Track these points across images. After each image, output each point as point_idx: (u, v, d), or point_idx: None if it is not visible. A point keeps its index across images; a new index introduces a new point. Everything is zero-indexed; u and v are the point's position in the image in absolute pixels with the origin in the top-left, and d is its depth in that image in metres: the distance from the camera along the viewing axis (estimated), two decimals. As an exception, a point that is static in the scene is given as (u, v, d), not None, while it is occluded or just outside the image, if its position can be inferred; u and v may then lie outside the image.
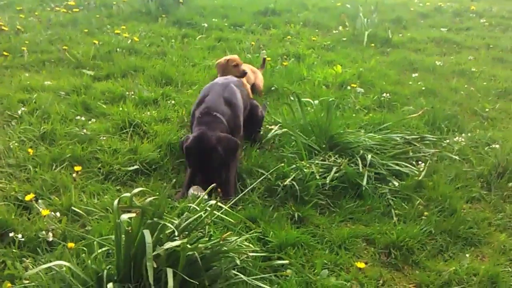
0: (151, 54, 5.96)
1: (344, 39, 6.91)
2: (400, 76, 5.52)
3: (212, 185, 2.48)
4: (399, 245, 2.71)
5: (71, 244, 2.30)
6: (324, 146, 3.53)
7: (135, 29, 7.02)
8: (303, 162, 3.23)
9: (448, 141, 3.85)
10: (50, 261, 2.12)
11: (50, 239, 2.44)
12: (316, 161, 3.32)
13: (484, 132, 4.08)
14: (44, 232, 2.47)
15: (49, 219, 2.52)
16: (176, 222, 2.09)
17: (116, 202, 2.03)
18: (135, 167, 3.36)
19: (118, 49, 5.86)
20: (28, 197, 2.66)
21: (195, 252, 1.98)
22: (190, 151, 3.11)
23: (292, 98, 4.03)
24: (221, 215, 2.36)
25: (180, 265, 1.92)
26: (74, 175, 3.07)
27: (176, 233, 2.03)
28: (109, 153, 3.47)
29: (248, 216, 2.83)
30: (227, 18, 7.88)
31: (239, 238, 2.22)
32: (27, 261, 2.26)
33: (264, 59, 5.17)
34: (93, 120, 4.00)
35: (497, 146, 3.71)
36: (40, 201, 2.80)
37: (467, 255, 2.66)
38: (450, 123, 4.23)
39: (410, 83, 5.25)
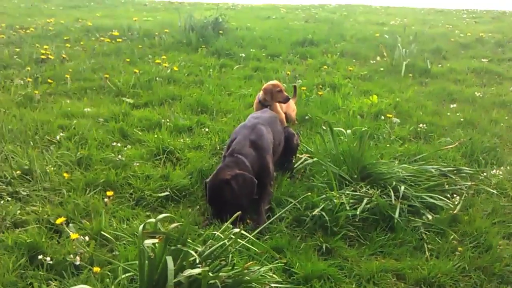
0: (189, 83, 6.10)
1: (382, 69, 6.86)
2: (438, 107, 5.41)
3: (238, 213, 2.47)
4: (430, 281, 2.62)
5: (96, 269, 2.34)
6: (355, 176, 3.48)
7: (175, 59, 7.21)
8: (333, 192, 3.19)
9: (485, 174, 3.72)
10: (75, 285, 2.16)
11: (78, 262, 2.48)
12: (347, 192, 3.27)
13: (526, 166, 3.92)
14: (72, 255, 2.52)
15: (78, 243, 2.57)
16: (200, 249, 2.09)
17: (141, 227, 2.05)
18: (166, 193, 3.40)
19: (157, 78, 6.02)
20: (59, 221, 2.73)
21: (216, 280, 1.96)
22: (206, 185, 3.17)
23: (324, 128, 4.01)
24: (246, 244, 2.34)
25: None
26: (106, 199, 3.14)
27: (198, 261, 2.03)
28: (142, 179, 3.53)
29: (274, 246, 2.81)
30: (265, 48, 7.99)
31: (262, 267, 2.19)
32: (53, 284, 2.30)
33: (295, 87, 5.18)
34: (129, 146, 4.09)
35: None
36: (71, 224, 2.86)
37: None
38: (489, 156, 4.09)
39: (448, 114, 5.14)
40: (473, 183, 3.53)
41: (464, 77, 6.66)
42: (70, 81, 5.88)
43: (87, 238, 2.68)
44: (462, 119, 4.93)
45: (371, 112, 5.12)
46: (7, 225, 2.92)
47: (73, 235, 2.57)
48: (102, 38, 8.45)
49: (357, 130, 3.98)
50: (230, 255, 2.25)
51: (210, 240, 2.19)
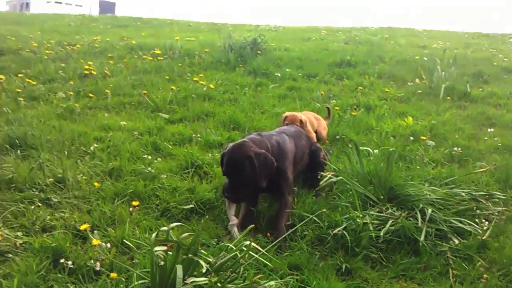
0: (223, 100, 6.19)
1: (419, 91, 6.76)
2: (475, 131, 5.27)
3: (251, 226, 2.48)
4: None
5: (113, 274, 2.38)
6: (382, 197, 3.41)
7: (213, 77, 7.34)
8: (356, 212, 3.14)
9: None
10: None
11: (98, 268, 2.54)
12: (371, 212, 3.21)
13: None
14: (92, 261, 2.58)
15: (100, 249, 2.63)
16: (211, 260, 2.10)
17: (154, 235, 2.09)
18: (191, 206, 3.44)
19: (193, 95, 6.14)
20: (83, 227, 2.81)
21: (226, 291, 1.96)
22: (224, 155, 3.17)
23: (351, 147, 3.96)
24: (260, 258, 2.33)
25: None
26: (131, 209, 3.20)
27: (204, 270, 2.03)
28: (168, 191, 3.59)
29: (293, 262, 2.78)
30: (302, 69, 8.03)
31: (272, 282, 2.17)
32: (71, 287, 2.35)
33: (328, 108, 5.16)
34: (159, 159, 4.18)
35: None
36: (95, 231, 2.93)
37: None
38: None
39: (486, 138, 4.99)
40: (505, 208, 3.40)
41: (506, 102, 6.47)
42: (110, 96, 6.08)
43: (109, 245, 2.74)
44: (499, 144, 4.77)
45: (404, 134, 5.04)
46: (36, 229, 3.02)
47: (95, 241, 2.64)
48: (144, 56, 8.72)
49: (386, 150, 3.90)
50: (241, 268, 2.24)
51: (223, 252, 2.19)
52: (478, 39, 12.53)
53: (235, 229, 3.10)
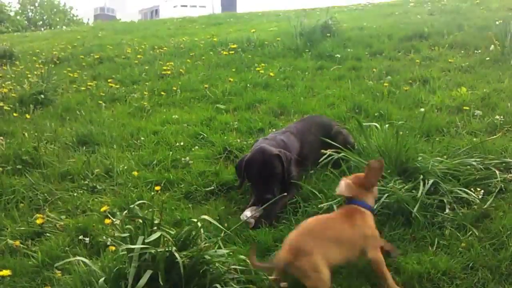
0: (280, 87, 6.40)
1: (487, 59, 6.32)
2: (536, 97, 4.87)
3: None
4: (425, 276, 2.55)
5: (112, 247, 2.81)
6: (389, 171, 3.43)
7: (279, 64, 7.57)
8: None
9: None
10: (102, 262, 2.65)
11: (108, 243, 2.99)
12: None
13: None
14: (104, 237, 3.04)
15: (112, 226, 3.09)
16: (173, 233, 2.41)
17: (124, 212, 2.46)
18: (211, 188, 3.79)
19: (249, 85, 6.44)
20: (103, 209, 3.30)
21: (177, 256, 2.27)
22: (243, 163, 3.47)
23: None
24: (224, 228, 2.58)
25: (159, 267, 2.24)
26: (152, 193, 3.64)
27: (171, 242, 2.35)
28: (195, 175, 3.97)
29: (280, 236, 2.99)
30: (370, 47, 7.89)
31: (225, 250, 2.42)
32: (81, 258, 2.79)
33: None
34: (196, 147, 4.57)
35: None
36: (118, 213, 3.40)
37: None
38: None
39: (543, 104, 4.61)
40: (509, 175, 3.22)
41: None
42: (179, 92, 6.63)
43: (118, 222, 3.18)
44: (556, 110, 4.39)
45: (452, 106, 4.85)
46: (78, 212, 3.59)
47: (107, 220, 3.10)
48: (222, 52, 9.20)
49: (395, 124, 3.84)
50: (201, 239, 2.51)
51: (187, 227, 2.49)
52: None
53: (246, 211, 3.33)
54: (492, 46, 6.78)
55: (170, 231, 2.45)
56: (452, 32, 8.08)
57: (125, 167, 4.18)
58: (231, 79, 6.67)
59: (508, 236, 2.73)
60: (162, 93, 6.63)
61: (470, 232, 2.83)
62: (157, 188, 3.70)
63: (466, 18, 9.22)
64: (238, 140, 4.51)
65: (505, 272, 2.50)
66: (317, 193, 3.36)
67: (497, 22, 7.71)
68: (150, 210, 2.61)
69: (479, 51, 6.90)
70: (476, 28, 8.23)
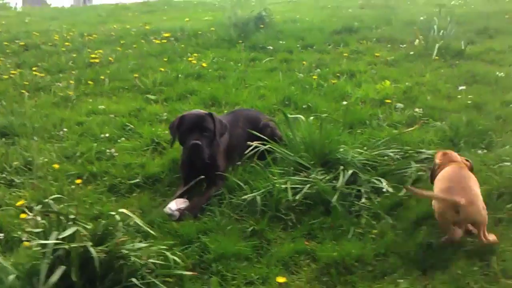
0: (212, 78, 6.37)
1: (412, 53, 6.62)
2: (453, 90, 5.15)
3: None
4: (340, 263, 2.64)
5: (26, 243, 2.70)
6: (313, 162, 3.52)
7: (212, 55, 7.51)
8: (274, 177, 3.29)
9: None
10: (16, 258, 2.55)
11: (24, 239, 2.86)
12: (296, 177, 3.35)
13: (510, 149, 3.67)
14: (19, 232, 2.92)
15: (26, 221, 2.96)
16: (89, 227, 2.36)
17: (39, 207, 2.38)
18: (136, 180, 3.72)
19: (180, 75, 6.36)
20: (19, 203, 3.17)
21: (93, 252, 2.22)
22: (184, 117, 3.59)
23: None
24: (142, 224, 2.56)
25: (73, 262, 2.18)
26: (73, 186, 3.53)
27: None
28: (120, 167, 3.89)
29: (204, 228, 3.00)
30: (302, 40, 8.01)
31: (141, 243, 2.40)
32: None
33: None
34: (123, 139, 4.47)
35: (508, 164, 3.33)
36: (35, 207, 3.27)
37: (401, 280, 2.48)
38: (478, 139, 3.88)
39: (459, 97, 4.89)
40: (422, 165, 3.41)
41: (502, 57, 6.21)
42: (108, 82, 6.43)
43: (39, 218, 3.06)
44: (469, 102, 4.67)
45: (376, 98, 5.04)
46: (-7, 208, 3.42)
47: (23, 215, 2.97)
48: (154, 40, 9.00)
49: (319, 117, 3.95)
50: (121, 234, 2.47)
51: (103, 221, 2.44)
52: (507, -9, 11.80)
53: (170, 204, 3.29)
54: (417, 40, 7.09)
55: (87, 226, 2.39)
56: (380, 26, 8.38)
57: (46, 160, 4.02)
58: (162, 69, 6.57)
59: (419, 224, 2.89)
60: (90, 82, 6.41)
61: (384, 220, 2.96)
62: (78, 181, 3.59)
63: (394, 13, 9.59)
64: (166, 132, 4.45)
65: (414, 258, 2.64)
66: (242, 184, 3.39)
67: (422, 18, 8.06)
68: (67, 204, 2.52)
69: (405, 45, 7.21)
70: (403, 23, 8.58)
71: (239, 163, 3.78)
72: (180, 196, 3.36)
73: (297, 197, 3.16)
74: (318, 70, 6.19)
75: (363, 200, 3.13)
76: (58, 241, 2.20)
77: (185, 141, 3.52)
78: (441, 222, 2.73)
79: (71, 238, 2.30)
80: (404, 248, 2.70)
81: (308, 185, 3.23)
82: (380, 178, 3.30)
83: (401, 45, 7.20)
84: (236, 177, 3.52)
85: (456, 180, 2.75)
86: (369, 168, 3.46)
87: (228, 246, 2.77)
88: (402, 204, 3.12)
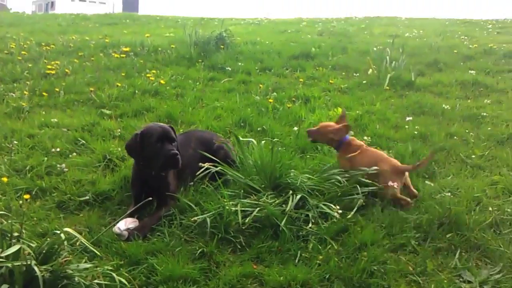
0: (170, 95, 6.40)
1: (364, 82, 6.88)
2: (401, 120, 5.39)
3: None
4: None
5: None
6: (263, 186, 3.60)
7: (171, 72, 7.54)
8: (225, 200, 3.34)
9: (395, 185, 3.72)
10: None
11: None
12: (244, 200, 3.40)
13: (452, 180, 3.87)
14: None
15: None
16: (34, 245, 2.33)
17: (-19, 223, 2.33)
18: (86, 197, 3.68)
19: (137, 91, 6.35)
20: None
21: (37, 271, 2.19)
22: (147, 131, 3.56)
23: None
24: (89, 245, 2.54)
25: (17, 281, 2.15)
26: (20, 202, 3.46)
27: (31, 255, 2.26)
28: (70, 183, 3.84)
29: (152, 249, 3.00)
30: (261, 62, 8.18)
31: (88, 264, 2.39)
32: None
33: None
34: (74, 154, 4.41)
35: (448, 194, 3.52)
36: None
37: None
38: (422, 169, 4.07)
39: (407, 127, 5.11)
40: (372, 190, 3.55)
41: (448, 90, 6.56)
42: (63, 94, 6.33)
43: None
44: (416, 133, 4.89)
45: (328, 125, 5.19)
46: None
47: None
48: (113, 54, 8.95)
49: (271, 141, 4.05)
50: (66, 253, 2.45)
51: (48, 238, 2.42)
52: (457, 26, 12.47)
53: (119, 224, 3.27)
54: (370, 70, 7.38)
55: (31, 244, 2.36)
56: (337, 54, 8.67)
57: (-6, 172, 3.92)
58: (119, 84, 6.54)
59: (362, 250, 3.00)
60: (44, 93, 6.30)
61: (330, 246, 3.05)
62: (27, 196, 3.52)
63: (351, 42, 9.95)
64: (119, 149, 4.43)
65: (357, 284, 2.74)
66: (193, 205, 3.41)
67: (375, 48, 8.39)
68: (11, 222, 2.48)
69: (358, 74, 7.47)
70: (358, 52, 8.90)
71: (191, 183, 3.81)
72: (130, 216, 3.36)
73: (246, 220, 3.21)
74: (275, 93, 6.33)
75: (311, 225, 3.22)
76: (1, 259, 2.15)
77: (156, 153, 3.48)
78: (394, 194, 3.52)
79: (15, 255, 2.27)
80: (348, 274, 2.79)
81: (258, 209, 3.29)
82: (328, 203, 3.40)
83: (355, 74, 7.46)
84: (187, 197, 3.54)
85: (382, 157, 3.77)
86: (317, 193, 3.56)
87: (176, 268, 2.78)
88: (348, 229, 3.23)
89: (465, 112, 5.55)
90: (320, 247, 3.07)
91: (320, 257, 2.92)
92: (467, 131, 4.98)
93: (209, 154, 3.84)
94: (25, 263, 2.21)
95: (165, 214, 3.40)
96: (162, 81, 6.88)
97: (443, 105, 5.73)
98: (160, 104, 5.96)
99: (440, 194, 3.60)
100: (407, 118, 5.32)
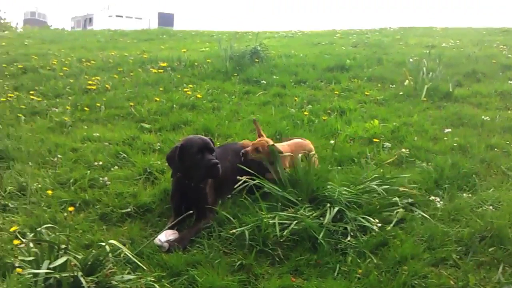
0: (206, 109, 6.50)
1: (401, 93, 6.81)
2: (439, 132, 5.31)
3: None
4: (324, 301, 2.72)
5: (19, 270, 2.74)
6: (300, 199, 3.62)
7: (207, 86, 7.67)
8: (262, 213, 3.37)
9: (437, 198, 3.67)
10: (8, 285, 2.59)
11: (17, 264, 2.90)
12: (284, 213, 3.43)
13: (493, 193, 3.80)
14: (13, 258, 2.96)
15: (24, 248, 3.00)
16: (80, 257, 2.42)
17: (31, 235, 2.44)
18: (128, 210, 3.79)
19: (175, 106, 6.48)
20: (12, 229, 3.22)
21: (83, 281, 2.28)
22: (187, 143, 3.66)
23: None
24: (131, 255, 2.62)
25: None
26: (65, 214, 3.59)
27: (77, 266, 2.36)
28: (112, 196, 3.96)
29: (192, 260, 3.06)
30: (296, 75, 8.21)
31: (131, 276, 2.46)
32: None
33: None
34: (116, 167, 4.54)
35: (490, 207, 3.45)
36: (28, 233, 3.31)
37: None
38: (462, 182, 4.01)
39: (446, 139, 5.03)
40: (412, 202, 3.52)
41: (488, 101, 6.41)
42: (103, 109, 6.54)
43: (31, 245, 3.10)
44: (455, 145, 4.81)
45: (365, 137, 5.18)
46: (-14, 232, 3.46)
47: (16, 241, 3.02)
48: (151, 69, 9.17)
49: (310, 154, 4.07)
50: (111, 265, 2.54)
51: (92, 250, 2.51)
52: (495, 36, 12.19)
53: (160, 236, 3.35)
54: (407, 81, 7.30)
55: (77, 255, 2.45)
56: (372, 65, 8.61)
57: (40, 185, 4.08)
58: (158, 98, 6.69)
59: (402, 264, 2.97)
60: (86, 108, 6.51)
61: (369, 259, 3.04)
62: (71, 208, 3.64)
63: (386, 53, 9.87)
64: (159, 162, 4.54)
65: (396, 299, 2.72)
66: (231, 218, 3.46)
67: (411, 60, 8.30)
68: (58, 234, 2.58)
69: (394, 85, 7.41)
70: (393, 63, 8.82)
71: (229, 196, 3.87)
72: (170, 228, 3.43)
73: (284, 233, 3.24)
74: (310, 106, 6.34)
75: (349, 238, 3.21)
76: (49, 270, 2.25)
77: (197, 164, 3.57)
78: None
79: (62, 267, 2.36)
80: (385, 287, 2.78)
81: (296, 221, 3.31)
82: (366, 216, 3.39)
83: (391, 85, 7.40)
84: (225, 210, 3.60)
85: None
86: (355, 205, 3.55)
87: (216, 280, 2.83)
88: (387, 243, 3.21)
89: (505, 123, 5.43)
90: (359, 261, 3.06)
91: (360, 270, 2.92)
92: (508, 142, 4.86)
93: (245, 166, 3.90)
94: (72, 274, 2.30)
95: (204, 227, 3.47)
96: (198, 95, 7.00)
97: (483, 116, 5.61)
98: (197, 118, 6.07)
99: (482, 208, 3.54)
100: (446, 130, 5.24)
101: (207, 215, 3.56)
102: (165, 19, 54.07)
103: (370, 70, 8.31)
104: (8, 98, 7.03)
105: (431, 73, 7.04)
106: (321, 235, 3.20)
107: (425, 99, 6.47)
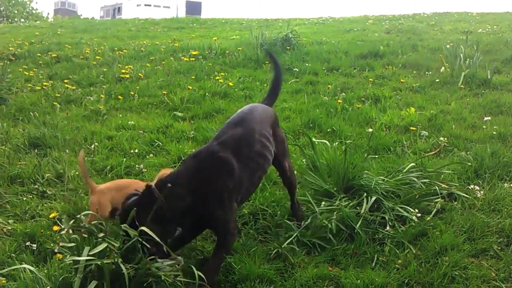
0: (238, 97, 6.49)
1: (437, 80, 6.64)
2: (478, 120, 5.16)
3: None
4: (363, 291, 2.68)
5: (59, 255, 2.81)
6: (336, 189, 3.58)
7: (238, 74, 7.65)
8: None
9: (477, 188, 3.58)
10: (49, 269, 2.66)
11: (56, 250, 2.98)
12: (323, 203, 3.41)
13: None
14: (53, 244, 3.03)
15: (59, 234, 3.08)
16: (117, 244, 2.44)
17: (71, 222, 2.49)
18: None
19: (207, 94, 6.49)
20: (52, 215, 3.29)
21: (122, 266, 2.30)
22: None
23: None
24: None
25: (105, 278, 2.27)
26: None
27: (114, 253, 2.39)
28: (147, 184, 3.99)
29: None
30: (328, 62, 8.09)
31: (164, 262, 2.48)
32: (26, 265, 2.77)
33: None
34: (151, 155, 4.59)
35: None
36: (65, 221, 3.38)
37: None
38: (502, 171, 3.89)
39: (485, 127, 4.89)
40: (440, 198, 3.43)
41: (529, 88, 6.20)
42: (137, 97, 6.60)
43: (70, 231, 3.17)
44: (495, 133, 4.67)
45: (401, 125, 5.08)
46: (26, 217, 3.55)
47: (55, 227, 3.09)
48: (183, 57, 9.20)
49: (344, 143, 4.01)
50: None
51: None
52: (535, 20, 11.79)
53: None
54: (443, 68, 7.12)
55: (115, 243, 2.47)
56: (406, 52, 8.42)
57: (77, 173, 4.15)
58: (190, 87, 6.71)
59: (442, 255, 2.91)
60: (119, 97, 6.58)
61: (408, 250, 2.99)
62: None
63: (421, 39, 9.64)
64: (193, 150, 4.55)
65: (436, 289, 2.67)
66: (266, 208, 3.45)
67: (448, 46, 8.08)
68: (97, 221, 2.61)
69: (430, 72, 7.23)
70: (429, 50, 8.62)
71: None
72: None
73: (326, 222, 3.21)
74: (343, 94, 6.25)
75: (388, 228, 3.16)
76: (89, 258, 2.28)
77: None
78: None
79: (102, 253, 2.39)
80: (428, 279, 2.72)
81: (335, 212, 3.27)
82: (405, 206, 3.33)
83: (426, 72, 7.22)
84: (260, 200, 3.60)
85: None
86: (392, 195, 3.49)
87: (252, 268, 2.83)
88: (426, 233, 3.15)
89: (548, 111, 5.24)
90: (397, 251, 3.02)
91: (399, 261, 2.87)
92: (551, 131, 4.69)
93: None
94: (113, 261, 2.32)
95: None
96: (230, 83, 6.99)
97: (525, 104, 5.44)
98: (229, 106, 6.06)
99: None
100: (485, 118, 5.08)
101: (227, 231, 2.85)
102: (193, 7, 54.25)
103: (404, 56, 8.13)
104: (43, 87, 7.17)
105: (468, 59, 6.84)
106: (358, 224, 3.16)
107: (462, 86, 6.29)
